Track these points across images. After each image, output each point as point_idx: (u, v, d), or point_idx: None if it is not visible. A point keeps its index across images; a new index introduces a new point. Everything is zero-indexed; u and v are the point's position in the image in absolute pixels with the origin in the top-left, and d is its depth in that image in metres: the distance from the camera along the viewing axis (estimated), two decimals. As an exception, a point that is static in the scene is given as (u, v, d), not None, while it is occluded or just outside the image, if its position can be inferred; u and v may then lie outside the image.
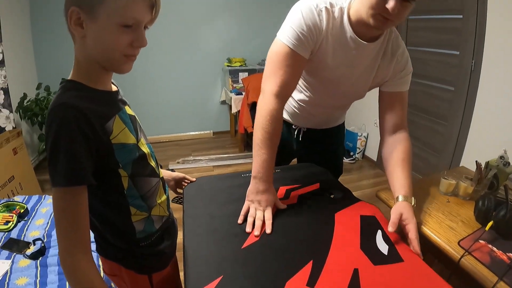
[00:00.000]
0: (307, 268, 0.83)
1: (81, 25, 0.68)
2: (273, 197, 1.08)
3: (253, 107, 3.92)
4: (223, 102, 4.75)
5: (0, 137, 2.67)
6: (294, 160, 1.79)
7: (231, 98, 4.16)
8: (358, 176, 3.57)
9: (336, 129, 1.62)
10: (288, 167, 1.56)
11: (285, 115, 1.52)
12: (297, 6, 1.08)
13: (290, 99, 1.44)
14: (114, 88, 0.88)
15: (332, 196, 1.22)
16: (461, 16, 2.62)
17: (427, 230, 1.07)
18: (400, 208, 1.01)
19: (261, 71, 4.30)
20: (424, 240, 1.01)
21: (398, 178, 1.13)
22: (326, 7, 1.07)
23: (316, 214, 1.09)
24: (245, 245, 0.93)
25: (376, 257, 0.87)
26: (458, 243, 1.00)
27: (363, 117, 3.98)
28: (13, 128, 3.08)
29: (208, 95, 4.71)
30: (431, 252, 1.07)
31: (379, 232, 0.98)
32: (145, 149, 0.90)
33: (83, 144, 0.68)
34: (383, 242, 0.94)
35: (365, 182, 3.43)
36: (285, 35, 1.09)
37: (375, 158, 3.77)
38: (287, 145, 1.58)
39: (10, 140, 2.70)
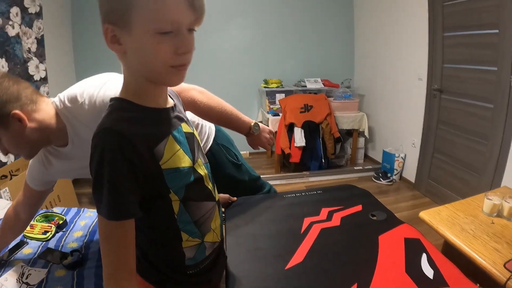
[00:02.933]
0: (352, 291, 0.85)
1: (119, 42, 0.66)
2: None
3: (290, 128, 4.02)
4: (260, 123, 4.83)
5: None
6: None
7: (268, 119, 4.27)
8: (395, 198, 3.56)
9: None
10: (330, 188, 1.59)
11: None
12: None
13: None
14: (170, 102, 0.82)
15: (374, 218, 1.27)
16: (497, 31, 2.61)
17: (471, 252, 1.09)
18: (250, 142, 1.57)
19: (297, 92, 4.46)
20: (467, 263, 1.04)
21: (230, 124, 1.49)
22: None
23: (360, 236, 1.13)
24: (288, 266, 0.97)
25: (421, 281, 0.89)
26: (504, 265, 1.01)
27: (400, 138, 3.99)
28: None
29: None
30: (472, 276, 1.08)
31: (424, 256, 1.01)
32: (202, 171, 0.85)
33: (128, 175, 0.66)
34: (428, 266, 0.96)
35: (403, 204, 3.42)
36: None
37: (413, 180, 3.75)
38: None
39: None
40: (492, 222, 1.29)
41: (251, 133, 1.55)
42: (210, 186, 0.89)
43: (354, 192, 1.50)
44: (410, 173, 3.81)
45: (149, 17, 0.61)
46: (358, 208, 1.33)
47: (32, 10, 3.22)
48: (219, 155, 1.65)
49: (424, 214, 1.39)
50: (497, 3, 2.55)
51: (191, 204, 0.81)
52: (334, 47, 4.87)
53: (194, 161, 0.82)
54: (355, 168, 4.27)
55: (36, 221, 1.84)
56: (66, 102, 1.08)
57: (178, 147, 0.77)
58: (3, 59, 2.83)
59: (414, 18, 3.52)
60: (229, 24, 4.51)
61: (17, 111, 0.99)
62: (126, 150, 0.65)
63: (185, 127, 0.83)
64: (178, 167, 0.76)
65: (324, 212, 1.29)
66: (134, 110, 0.72)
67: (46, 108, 1.07)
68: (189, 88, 1.35)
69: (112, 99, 0.75)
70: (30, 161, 1.26)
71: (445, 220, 1.39)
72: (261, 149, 1.80)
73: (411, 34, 3.61)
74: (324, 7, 4.71)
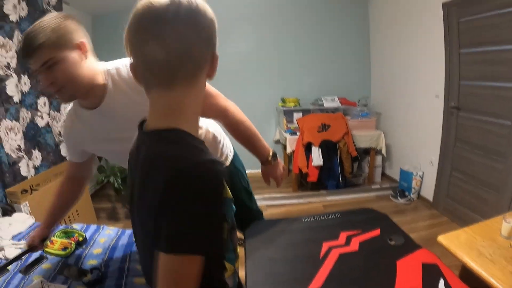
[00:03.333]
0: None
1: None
2: None
3: (307, 147, 4.05)
4: (277, 142, 4.92)
5: (62, 165, 3.01)
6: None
7: (285, 138, 4.33)
8: (413, 218, 3.53)
9: None
10: (348, 212, 1.60)
11: None
12: None
13: None
14: None
15: (392, 242, 1.27)
16: None
17: (489, 277, 1.09)
18: (265, 170, 1.60)
19: (315, 111, 4.52)
20: (484, 288, 1.04)
21: (251, 149, 1.55)
22: None
23: (378, 262, 1.14)
24: (307, 291, 0.98)
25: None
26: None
27: (418, 156, 3.97)
28: None
29: (262, 134, 4.83)
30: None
31: (442, 281, 1.02)
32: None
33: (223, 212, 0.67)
34: (446, 291, 0.97)
35: (421, 224, 3.39)
36: None
37: (431, 198, 3.72)
38: None
39: (71, 169, 2.98)
40: (511, 246, 1.28)
41: (269, 161, 1.58)
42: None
43: (372, 215, 1.50)
44: (428, 192, 3.78)
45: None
46: (376, 232, 1.34)
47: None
48: (235, 179, 1.69)
49: (442, 239, 1.39)
50: (513, 18, 2.56)
51: (234, 232, 0.82)
52: (351, 65, 4.91)
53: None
54: (372, 187, 4.26)
55: (56, 237, 1.88)
56: (116, 63, 1.18)
57: None
58: (25, 76, 2.94)
59: (430, 34, 3.54)
60: (246, 43, 4.62)
61: (84, 40, 1.11)
62: (224, 185, 0.66)
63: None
64: (229, 196, 0.73)
65: (343, 236, 1.30)
66: (201, 143, 0.73)
67: (96, 63, 1.18)
68: (226, 98, 1.44)
69: (171, 130, 0.71)
70: (64, 136, 1.38)
71: (463, 244, 1.39)
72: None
73: (427, 51, 3.63)
74: (340, 25, 4.77)
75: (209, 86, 1.37)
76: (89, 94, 1.16)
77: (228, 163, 1.66)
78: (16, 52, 1.01)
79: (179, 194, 0.61)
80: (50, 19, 1.03)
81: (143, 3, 0.68)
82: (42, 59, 1.01)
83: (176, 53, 0.69)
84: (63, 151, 3.35)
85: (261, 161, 1.59)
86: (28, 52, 1.01)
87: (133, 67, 0.75)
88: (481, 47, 2.96)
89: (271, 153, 1.58)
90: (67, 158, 1.44)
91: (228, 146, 1.69)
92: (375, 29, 4.75)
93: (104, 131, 1.26)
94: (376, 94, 4.94)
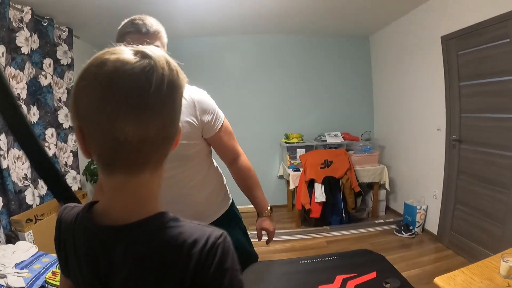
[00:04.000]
0: None
1: None
2: None
3: (310, 183, 4.09)
4: (281, 177, 4.96)
5: None
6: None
7: (289, 174, 4.36)
8: (418, 252, 3.49)
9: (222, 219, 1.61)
10: (345, 254, 1.61)
11: None
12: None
13: None
14: None
15: (388, 285, 1.27)
16: None
17: None
18: (258, 222, 1.66)
19: (318, 147, 4.59)
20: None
21: (252, 200, 1.64)
22: None
23: None
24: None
25: None
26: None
27: (421, 189, 3.98)
28: (78, 188, 3.47)
29: (266, 170, 4.96)
30: None
31: None
32: None
33: None
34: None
35: (425, 258, 3.33)
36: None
37: (435, 232, 3.69)
38: None
39: (76, 200, 3.00)
40: (508, 285, 1.27)
41: (267, 214, 1.67)
42: None
43: (369, 257, 1.52)
44: (433, 225, 3.76)
45: None
46: (373, 275, 1.35)
47: (64, 61, 3.49)
48: (235, 221, 1.71)
49: (439, 280, 1.38)
50: (510, 49, 2.64)
51: None
52: (354, 100, 5.02)
53: None
54: (376, 221, 4.22)
55: (58, 268, 1.90)
56: None
57: None
58: (35, 107, 3.03)
59: (430, 68, 3.64)
60: (251, 81, 4.78)
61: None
62: None
63: None
64: None
65: (339, 280, 1.31)
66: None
67: None
68: (240, 150, 1.63)
69: (159, 216, 0.65)
70: None
71: (459, 285, 1.37)
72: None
73: (428, 85, 3.72)
74: (342, 62, 4.93)
75: (228, 126, 1.53)
76: None
77: (228, 205, 1.69)
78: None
79: (224, 269, 0.60)
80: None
81: (111, 59, 0.57)
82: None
83: (154, 135, 0.58)
84: (69, 181, 3.41)
85: (259, 213, 1.67)
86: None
87: (81, 133, 0.59)
88: (480, 79, 3.03)
89: (269, 207, 1.67)
90: None
91: (228, 191, 1.75)
92: (377, 65, 4.89)
93: None
94: (378, 129, 5.01)
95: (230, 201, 1.71)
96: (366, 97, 5.06)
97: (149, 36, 1.24)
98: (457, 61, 3.22)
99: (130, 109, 0.54)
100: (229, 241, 0.63)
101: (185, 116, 1.33)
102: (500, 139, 2.88)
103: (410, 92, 4.09)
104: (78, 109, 0.58)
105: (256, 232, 1.67)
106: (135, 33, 1.23)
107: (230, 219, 1.64)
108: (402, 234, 3.82)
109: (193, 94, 1.37)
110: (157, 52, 0.59)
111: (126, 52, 0.58)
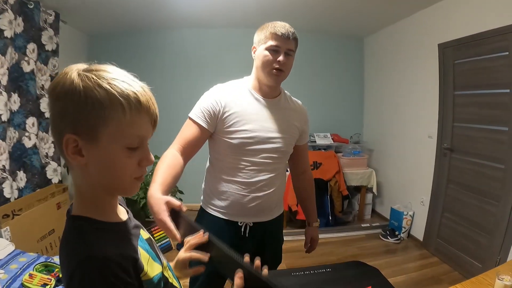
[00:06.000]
0: None
1: (80, 153, 0.63)
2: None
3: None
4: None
5: (46, 190, 2.96)
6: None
7: (275, 175, 4.30)
8: (403, 258, 3.52)
9: (278, 218, 1.74)
10: (339, 265, 1.58)
11: (229, 214, 1.54)
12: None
13: (225, 188, 1.52)
14: (122, 211, 0.80)
15: None
16: (508, 90, 2.69)
17: None
18: (310, 230, 1.82)
19: (308, 148, 4.50)
20: None
21: (307, 210, 1.86)
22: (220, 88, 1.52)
23: None
24: None
25: None
26: None
27: (409, 195, 4.02)
28: (59, 181, 3.37)
29: None
30: None
31: None
32: (167, 272, 0.83)
33: None
34: None
35: (411, 265, 3.37)
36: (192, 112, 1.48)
37: (421, 238, 3.73)
38: (236, 246, 1.57)
39: (56, 195, 2.92)
40: None
41: (316, 224, 1.85)
42: (176, 283, 0.86)
43: (363, 270, 1.49)
44: (419, 231, 3.80)
45: (121, 133, 0.64)
46: None
47: (49, 47, 3.35)
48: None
49: None
50: (509, 63, 2.66)
51: None
52: (344, 101, 5.02)
53: (162, 265, 0.81)
54: (362, 225, 4.25)
55: (36, 270, 1.83)
56: None
57: (147, 255, 0.76)
58: (16, 94, 2.91)
59: (424, 74, 3.65)
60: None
61: None
62: (120, 276, 0.62)
63: (143, 234, 0.82)
64: (153, 277, 0.73)
65: None
66: (104, 229, 0.69)
67: None
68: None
69: (75, 218, 0.69)
70: (214, 98, 1.46)
71: None
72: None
73: (422, 91, 3.73)
74: (334, 62, 4.90)
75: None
76: (278, 87, 1.54)
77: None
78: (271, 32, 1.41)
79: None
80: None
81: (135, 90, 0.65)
82: (293, 47, 1.45)
83: None
84: (49, 173, 3.29)
85: (310, 222, 1.85)
86: (294, 37, 1.44)
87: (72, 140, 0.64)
88: (476, 90, 3.05)
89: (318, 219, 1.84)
90: (194, 118, 1.45)
91: None
92: (370, 67, 4.89)
93: (264, 118, 1.49)
94: (368, 131, 5.02)
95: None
96: (357, 99, 5.06)
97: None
98: (454, 69, 3.23)
99: None
100: (95, 267, 0.60)
101: (295, 121, 1.58)
102: (491, 151, 2.91)
103: (403, 97, 4.11)
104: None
105: (304, 239, 1.85)
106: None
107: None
108: (388, 239, 3.85)
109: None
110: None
111: None
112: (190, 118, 1.45)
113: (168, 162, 1.31)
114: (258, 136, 1.44)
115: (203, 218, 1.55)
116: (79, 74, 0.62)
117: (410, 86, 3.95)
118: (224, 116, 1.43)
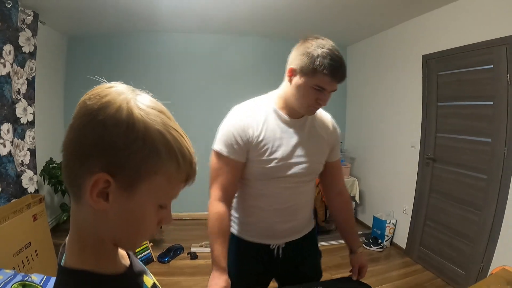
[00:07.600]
0: None
1: (106, 197, 0.53)
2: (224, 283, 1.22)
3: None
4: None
5: (22, 201, 2.79)
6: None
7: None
8: (386, 267, 3.56)
9: (311, 232, 1.66)
10: (330, 282, 1.55)
11: (259, 237, 1.51)
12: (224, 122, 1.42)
13: (255, 214, 1.49)
14: (124, 255, 0.70)
15: None
16: (491, 103, 2.77)
17: None
18: (357, 258, 1.55)
19: None
20: None
21: (349, 234, 1.63)
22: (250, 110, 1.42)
23: None
24: None
25: None
26: None
27: (391, 204, 4.09)
28: (35, 190, 3.22)
29: None
30: None
31: None
32: None
33: None
34: None
35: (395, 273, 3.42)
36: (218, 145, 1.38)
37: (404, 246, 3.80)
38: (267, 269, 1.57)
39: (32, 206, 2.78)
40: None
41: (361, 249, 1.76)
42: None
43: (354, 285, 1.47)
44: (401, 239, 3.86)
45: (162, 190, 0.57)
46: None
47: (26, 49, 3.23)
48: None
49: None
50: (492, 76, 2.75)
51: None
52: (326, 110, 4.87)
53: None
54: (345, 234, 4.25)
55: (13, 288, 1.74)
56: None
57: None
58: (-11, 99, 2.77)
59: (408, 84, 3.73)
60: (224, 85, 4.66)
61: None
62: None
63: (147, 281, 0.73)
64: None
65: None
66: (106, 283, 0.60)
67: None
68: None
69: (72, 273, 0.58)
70: (242, 128, 1.36)
71: None
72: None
73: (405, 101, 3.81)
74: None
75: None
76: None
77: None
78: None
79: None
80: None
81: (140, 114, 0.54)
82: (336, 88, 1.32)
83: None
84: (25, 182, 3.15)
85: (352, 249, 1.62)
86: (343, 79, 1.31)
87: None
88: (459, 101, 3.14)
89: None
90: (225, 154, 1.35)
91: None
92: (353, 76, 4.92)
93: (293, 140, 1.41)
94: (350, 140, 5.08)
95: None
96: (340, 108, 5.12)
97: None
98: (437, 81, 3.32)
99: None
100: None
101: (324, 136, 1.52)
102: (473, 161, 2.99)
103: (386, 106, 4.18)
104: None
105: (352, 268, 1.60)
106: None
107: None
108: (371, 247, 3.89)
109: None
110: None
111: None
112: (220, 154, 1.35)
113: (223, 232, 1.32)
114: (289, 162, 1.39)
115: (231, 244, 1.44)
116: (139, 108, 0.53)
117: (393, 96, 4.02)
118: (254, 143, 1.35)
